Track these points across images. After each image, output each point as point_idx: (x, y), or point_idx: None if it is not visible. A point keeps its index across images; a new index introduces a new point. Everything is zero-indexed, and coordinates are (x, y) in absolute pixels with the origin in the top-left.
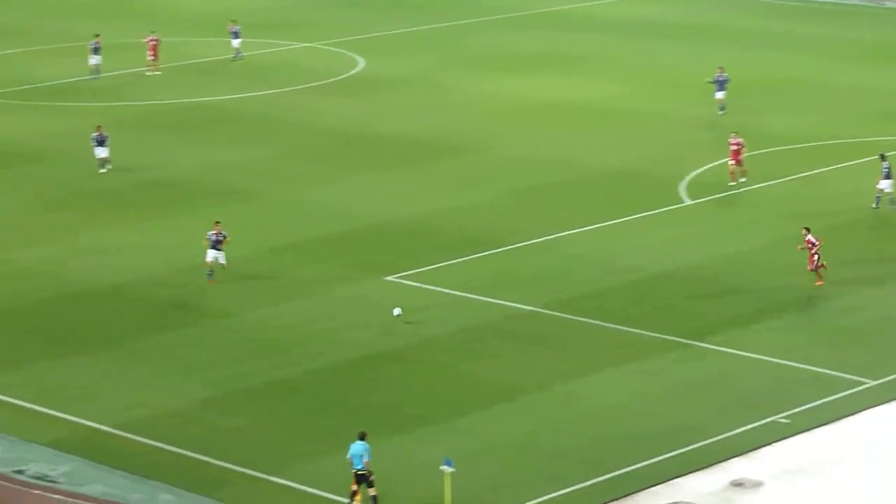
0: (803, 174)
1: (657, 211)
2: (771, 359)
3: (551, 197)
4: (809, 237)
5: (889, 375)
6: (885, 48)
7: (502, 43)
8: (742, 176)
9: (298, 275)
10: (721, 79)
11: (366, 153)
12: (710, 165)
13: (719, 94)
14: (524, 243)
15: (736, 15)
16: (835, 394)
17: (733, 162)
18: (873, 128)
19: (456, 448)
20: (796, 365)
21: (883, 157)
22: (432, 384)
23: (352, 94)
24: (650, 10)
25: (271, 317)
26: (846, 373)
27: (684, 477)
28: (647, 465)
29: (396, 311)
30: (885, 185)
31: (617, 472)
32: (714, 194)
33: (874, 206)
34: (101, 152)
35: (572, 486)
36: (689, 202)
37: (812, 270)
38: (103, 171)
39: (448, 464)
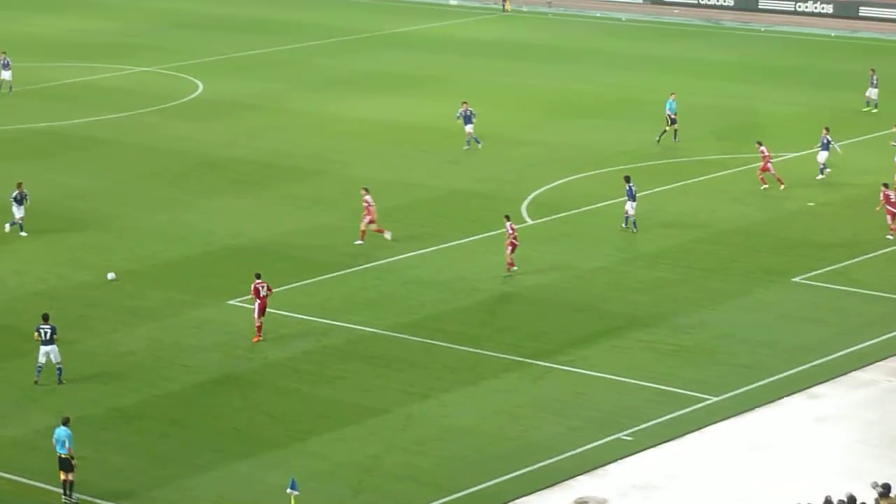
0: (646, 192)
1: (500, 231)
2: (615, 377)
3: (396, 219)
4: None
5: (730, 392)
6: (722, 67)
7: (348, 65)
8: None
9: (142, 300)
10: (466, 113)
11: (212, 176)
12: (551, 185)
13: (468, 128)
14: (369, 265)
15: (582, 35)
16: (678, 410)
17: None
18: (715, 146)
19: (301, 471)
20: (640, 383)
21: (627, 180)
22: (277, 408)
23: (194, 117)
24: (495, 31)
25: (114, 343)
26: (689, 390)
27: (530, 496)
28: (493, 485)
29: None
30: (629, 207)
31: (462, 493)
32: (555, 214)
33: (623, 226)
34: None
35: None
36: (530, 222)
37: None
38: None
39: (293, 487)
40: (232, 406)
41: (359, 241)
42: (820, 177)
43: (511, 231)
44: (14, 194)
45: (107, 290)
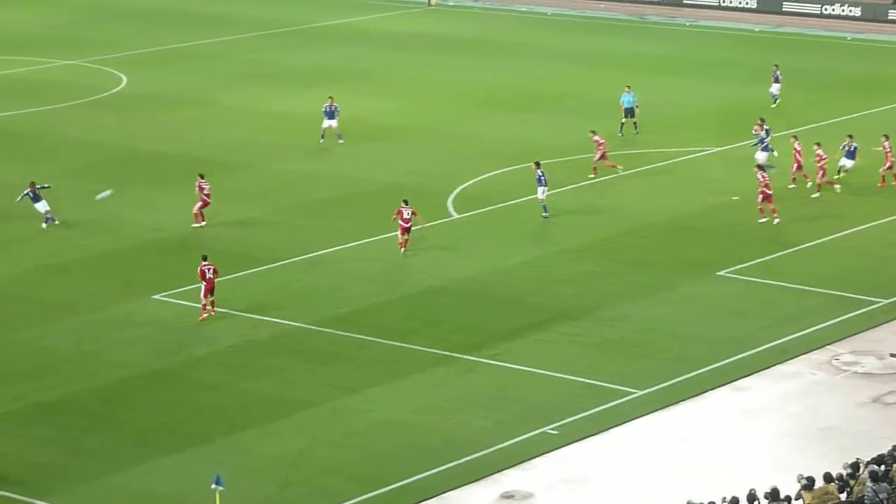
0: (573, 185)
1: (430, 224)
2: (541, 371)
3: (324, 212)
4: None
5: (655, 385)
6: (647, 60)
7: (273, 58)
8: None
9: (66, 294)
10: (330, 108)
11: (136, 170)
12: (478, 179)
13: (331, 123)
14: (297, 259)
15: (508, 29)
16: (604, 404)
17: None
18: (640, 140)
19: (227, 466)
20: (566, 376)
21: (538, 165)
22: (203, 402)
23: (118, 111)
24: (421, 24)
25: (36, 337)
26: (614, 383)
27: (456, 490)
28: (420, 479)
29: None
30: (540, 192)
31: (389, 487)
32: (481, 207)
33: (545, 215)
34: None
35: (344, 501)
36: (456, 216)
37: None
38: None
39: (218, 482)
40: (158, 401)
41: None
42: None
43: (406, 216)
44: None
45: (29, 285)
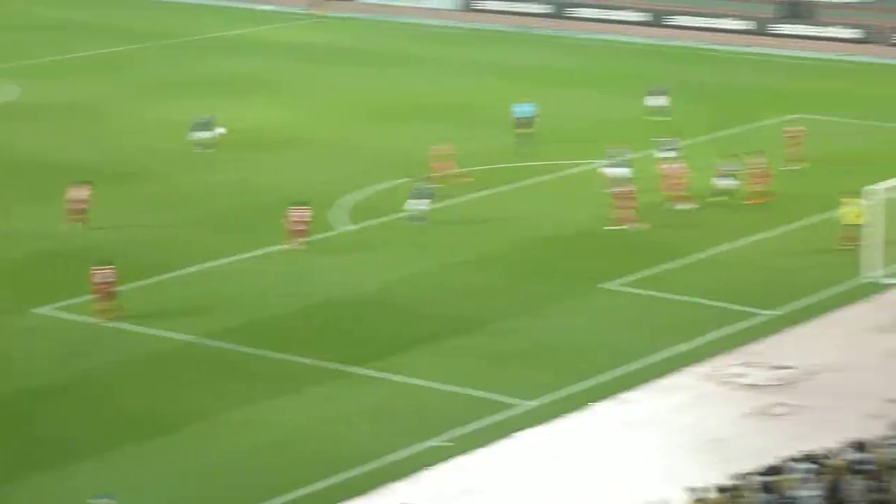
0: (466, 197)
1: (323, 236)
2: (433, 383)
3: (219, 223)
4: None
5: (546, 397)
6: (534, 72)
7: (166, 69)
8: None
9: None
10: (203, 120)
11: (29, 181)
12: (370, 189)
13: (205, 134)
14: (190, 269)
15: (396, 41)
16: (493, 416)
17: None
18: (531, 151)
19: (113, 482)
20: (457, 389)
21: (420, 177)
22: (87, 418)
23: (12, 121)
24: (318, 35)
25: None
26: (504, 395)
27: (347, 503)
28: (310, 493)
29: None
30: (413, 203)
31: (279, 501)
32: (378, 218)
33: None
34: None
35: None
36: (352, 227)
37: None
38: None
39: (109, 498)
40: (38, 416)
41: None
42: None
43: (297, 219)
44: None
45: None
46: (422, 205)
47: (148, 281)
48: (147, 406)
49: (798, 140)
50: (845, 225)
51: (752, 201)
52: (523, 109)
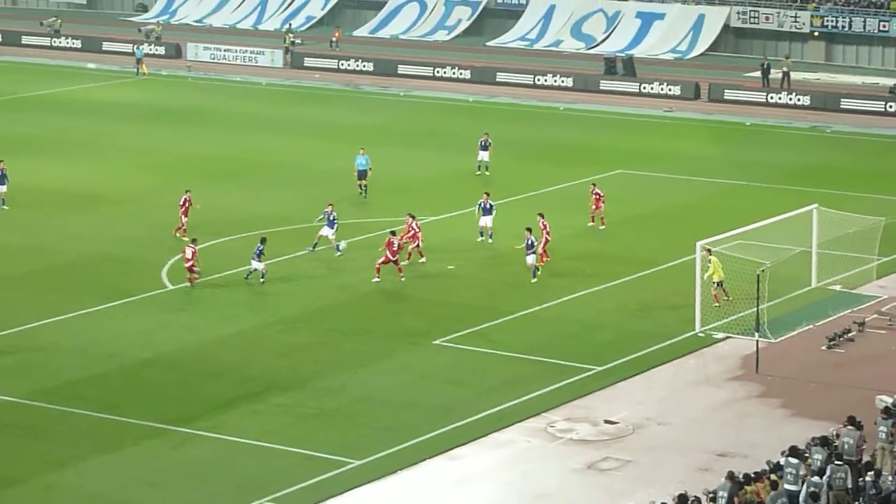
0: (285, 256)
1: (140, 297)
2: (257, 442)
3: (32, 285)
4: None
5: (372, 455)
6: (361, 130)
7: None
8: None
9: None
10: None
11: None
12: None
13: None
14: (3, 332)
15: (222, 99)
16: (321, 475)
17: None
18: (352, 211)
19: None
20: (282, 447)
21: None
22: None
23: None
24: (133, 94)
25: None
26: (331, 453)
27: None
28: None
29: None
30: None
31: None
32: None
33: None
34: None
35: None
36: (171, 287)
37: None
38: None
39: None
40: None
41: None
42: (480, 239)
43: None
44: None
45: None
46: (259, 264)
47: None
48: None
49: (600, 199)
50: (719, 282)
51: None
52: (360, 161)
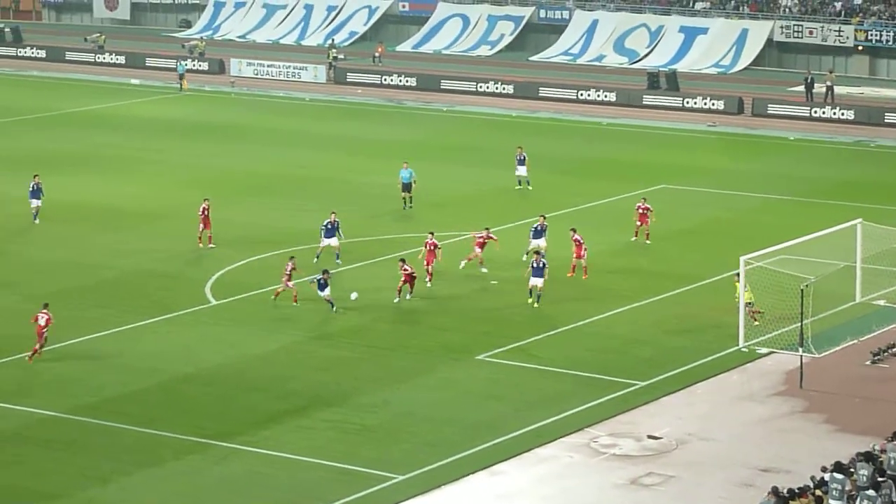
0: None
1: (182, 312)
2: (299, 457)
3: (74, 300)
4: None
5: (414, 470)
6: (404, 146)
7: (24, 144)
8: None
9: None
10: (37, 187)
11: None
12: (234, 266)
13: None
14: (49, 347)
15: (265, 115)
16: (363, 490)
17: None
18: (396, 226)
19: None
20: (324, 462)
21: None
22: None
23: None
24: (176, 110)
25: None
26: (373, 468)
27: None
28: None
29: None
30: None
31: None
32: (239, 294)
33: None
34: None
35: None
36: (214, 302)
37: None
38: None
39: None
40: None
41: None
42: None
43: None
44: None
45: None
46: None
47: (5, 359)
48: (7, 483)
49: (647, 214)
50: (747, 303)
51: (570, 274)
52: (405, 174)
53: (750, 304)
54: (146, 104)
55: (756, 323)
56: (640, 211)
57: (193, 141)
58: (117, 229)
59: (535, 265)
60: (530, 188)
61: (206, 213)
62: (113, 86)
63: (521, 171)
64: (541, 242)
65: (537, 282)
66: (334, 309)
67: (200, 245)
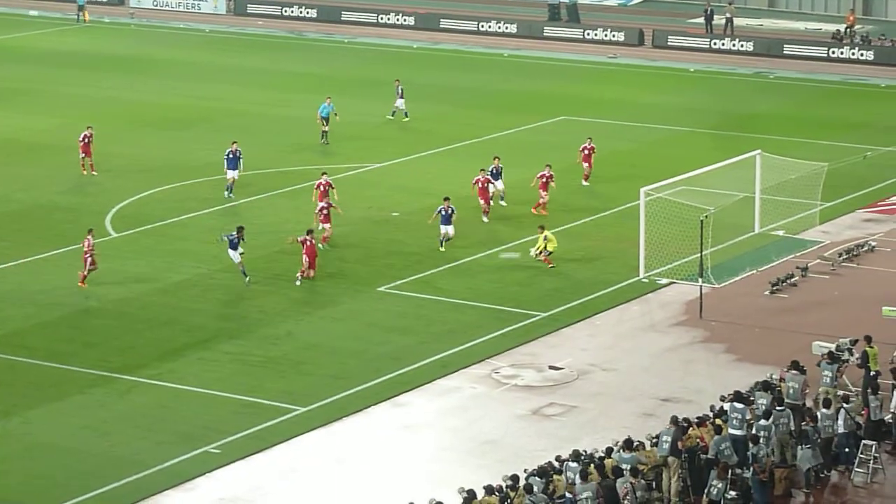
0: (223, 206)
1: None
2: (203, 390)
3: None
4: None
5: (317, 402)
6: (306, 78)
7: None
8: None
9: None
10: None
11: None
12: (135, 198)
13: None
14: None
15: (165, 47)
16: (266, 422)
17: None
18: (294, 158)
19: None
20: (228, 395)
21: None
22: None
23: None
24: (76, 42)
25: None
26: (277, 401)
27: None
28: (79, 502)
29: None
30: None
31: None
32: (139, 226)
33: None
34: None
35: None
36: (114, 235)
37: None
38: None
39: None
40: None
41: None
42: (502, 203)
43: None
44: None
45: None
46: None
47: None
48: None
49: (590, 155)
50: (549, 251)
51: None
52: (325, 108)
53: (546, 252)
54: (45, 36)
55: (550, 266)
56: (586, 151)
57: (95, 73)
58: (17, 163)
59: (443, 212)
60: (406, 119)
61: (87, 140)
62: (11, 17)
63: (399, 103)
64: (499, 185)
65: (448, 229)
66: (248, 280)
67: (84, 173)
